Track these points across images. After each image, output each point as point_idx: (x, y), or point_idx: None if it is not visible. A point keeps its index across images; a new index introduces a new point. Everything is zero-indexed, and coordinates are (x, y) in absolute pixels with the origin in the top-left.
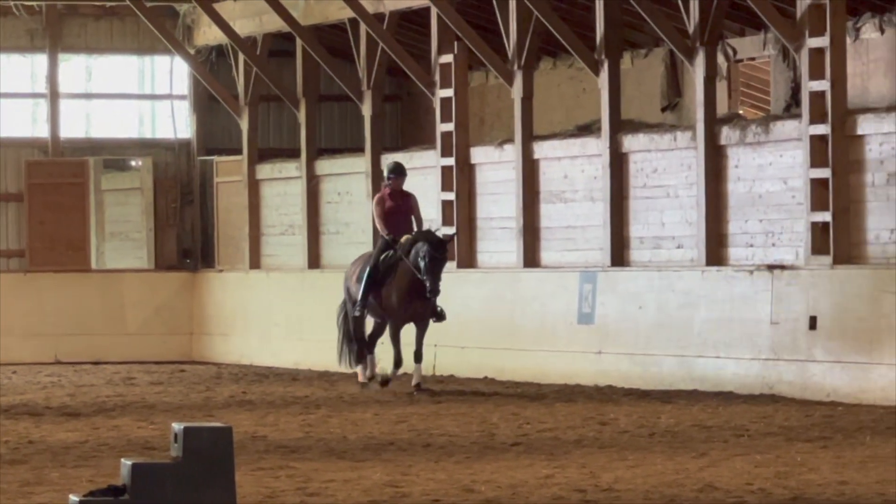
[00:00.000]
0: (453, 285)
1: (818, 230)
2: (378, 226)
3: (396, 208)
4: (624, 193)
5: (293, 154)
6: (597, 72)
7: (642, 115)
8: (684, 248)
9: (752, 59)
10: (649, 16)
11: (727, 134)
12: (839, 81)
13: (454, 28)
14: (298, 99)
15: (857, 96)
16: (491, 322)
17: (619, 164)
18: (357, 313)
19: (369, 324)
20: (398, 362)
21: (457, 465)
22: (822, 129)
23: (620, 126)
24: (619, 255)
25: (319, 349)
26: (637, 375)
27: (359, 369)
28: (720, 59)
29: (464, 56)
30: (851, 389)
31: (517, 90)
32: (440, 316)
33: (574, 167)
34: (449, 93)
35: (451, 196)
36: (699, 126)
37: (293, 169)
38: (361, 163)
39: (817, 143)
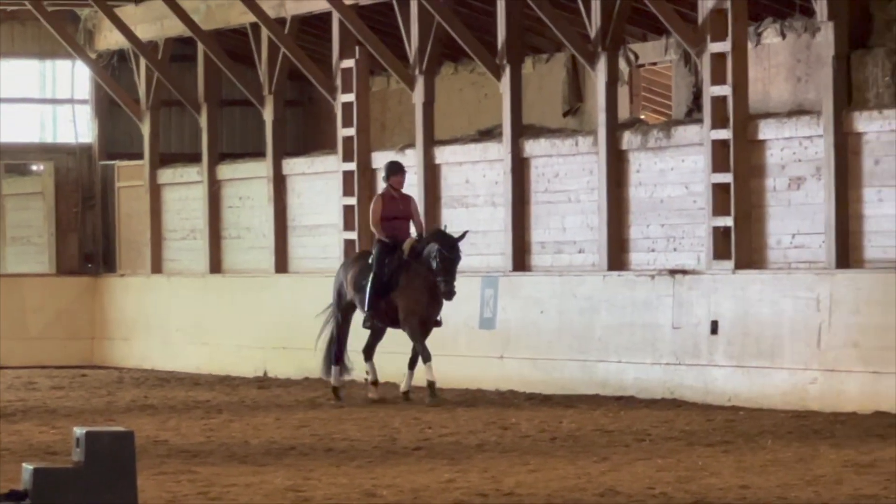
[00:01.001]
0: None
1: (720, 235)
2: (374, 230)
3: (396, 211)
4: (525, 198)
5: (195, 159)
6: (498, 77)
7: (544, 120)
8: (586, 253)
9: (654, 63)
10: (551, 21)
11: (629, 139)
12: (741, 86)
13: (355, 33)
14: (200, 104)
15: (759, 101)
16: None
17: (520, 169)
18: (367, 325)
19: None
20: (427, 357)
21: (358, 470)
22: (724, 133)
23: (522, 131)
24: (521, 259)
25: (221, 353)
26: (539, 380)
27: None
28: (622, 64)
29: (365, 61)
30: (752, 394)
31: (419, 95)
32: (438, 323)
33: (475, 172)
34: (350, 98)
35: (352, 201)
36: (601, 131)
37: (195, 174)
38: (263, 167)
39: (719, 147)
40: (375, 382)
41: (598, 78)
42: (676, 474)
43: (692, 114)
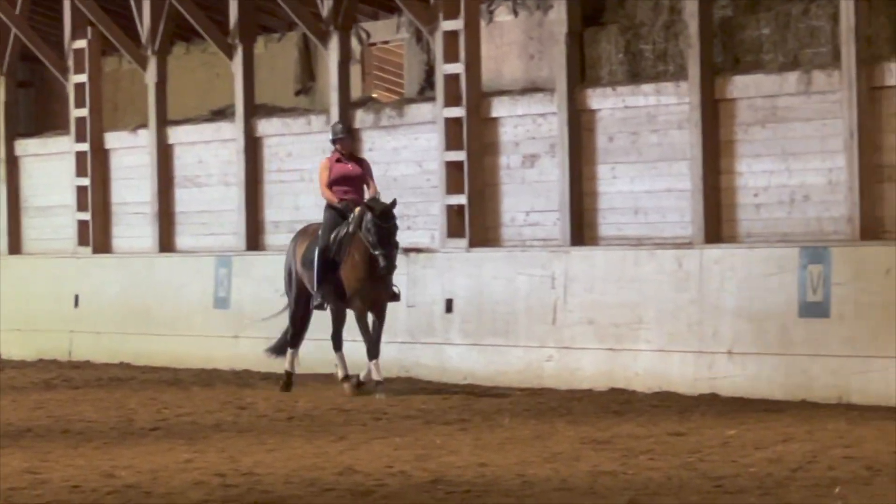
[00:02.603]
0: (89, 271)
1: (454, 213)
2: (323, 195)
3: (346, 175)
4: (258, 178)
5: None
6: (231, 56)
7: (276, 100)
8: None
9: (386, 42)
10: (283, 0)
11: (361, 117)
12: (473, 64)
13: (87, 13)
14: None
15: (492, 79)
16: (127, 307)
17: (253, 149)
18: (316, 303)
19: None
20: (373, 353)
21: (96, 451)
22: (457, 111)
23: (254, 110)
24: (255, 239)
25: None
26: (273, 360)
27: (287, 358)
28: (354, 42)
29: (97, 41)
30: (488, 372)
31: (151, 75)
32: (395, 297)
33: (208, 152)
34: (82, 78)
35: (85, 181)
36: (333, 110)
37: None
38: None
39: (452, 126)
40: (346, 377)
41: (331, 57)
42: (414, 452)
43: (425, 92)
